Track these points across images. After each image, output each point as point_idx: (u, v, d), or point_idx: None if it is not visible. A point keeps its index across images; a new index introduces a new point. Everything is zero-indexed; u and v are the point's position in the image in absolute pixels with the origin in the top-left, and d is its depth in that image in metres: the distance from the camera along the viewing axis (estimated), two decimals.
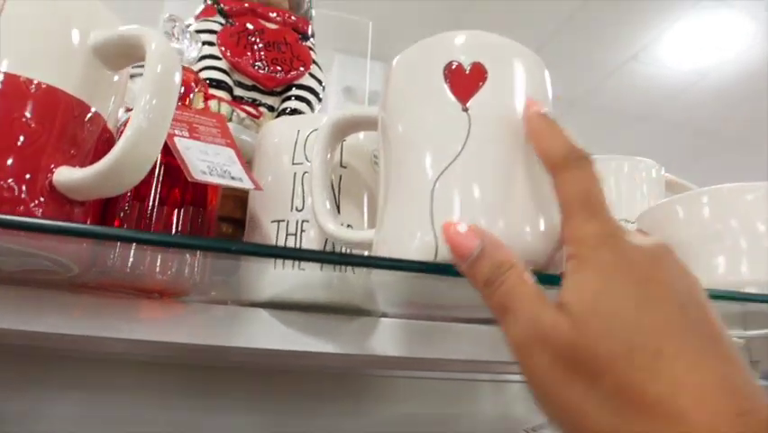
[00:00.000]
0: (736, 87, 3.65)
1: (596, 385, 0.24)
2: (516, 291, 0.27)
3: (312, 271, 0.39)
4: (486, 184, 0.32)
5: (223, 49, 0.59)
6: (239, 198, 0.50)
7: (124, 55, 0.33)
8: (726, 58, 3.40)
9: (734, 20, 3.10)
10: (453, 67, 0.34)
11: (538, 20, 3.15)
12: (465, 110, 0.33)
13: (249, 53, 0.59)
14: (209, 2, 0.64)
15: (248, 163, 0.43)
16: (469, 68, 0.34)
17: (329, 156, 0.40)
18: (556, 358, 0.25)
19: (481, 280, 0.28)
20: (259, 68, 0.59)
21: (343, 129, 0.40)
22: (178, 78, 0.32)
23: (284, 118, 0.48)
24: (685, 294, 0.26)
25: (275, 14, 0.61)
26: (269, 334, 0.42)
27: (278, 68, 0.59)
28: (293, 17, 0.62)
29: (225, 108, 0.54)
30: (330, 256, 0.33)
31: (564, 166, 0.29)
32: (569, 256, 0.27)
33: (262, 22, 0.61)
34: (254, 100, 0.59)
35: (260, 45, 0.60)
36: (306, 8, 0.65)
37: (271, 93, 0.59)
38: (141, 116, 0.29)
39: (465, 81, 0.33)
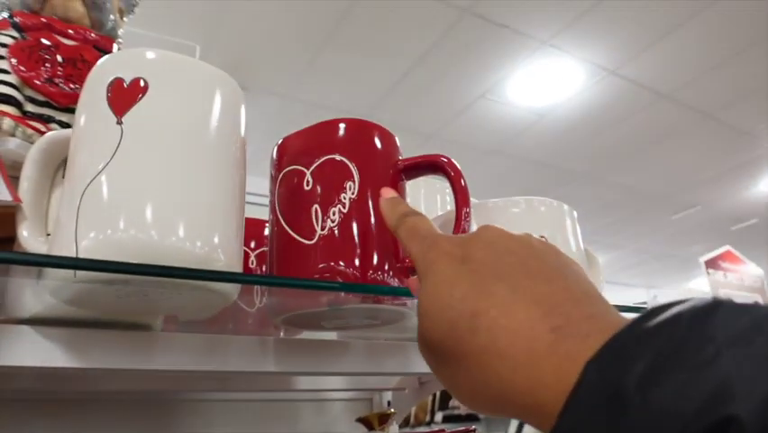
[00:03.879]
0: (571, 126, 4.00)
1: (450, 364, 0.28)
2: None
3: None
4: (134, 193, 0.34)
5: (13, 62, 0.57)
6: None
7: None
8: (560, 100, 3.72)
9: (567, 66, 3.41)
10: (115, 82, 0.36)
11: (392, 59, 3.29)
12: (119, 123, 0.35)
13: (42, 68, 0.57)
14: (5, 15, 0.62)
15: None
16: (129, 82, 0.36)
17: (42, 174, 0.41)
18: (428, 357, 0.29)
19: None
20: (51, 83, 0.57)
21: (55, 149, 0.41)
22: None
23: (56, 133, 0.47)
24: (499, 250, 0.30)
25: (73, 31, 0.61)
26: (33, 351, 0.41)
27: (74, 84, 0.58)
28: (93, 35, 0.62)
29: (8, 123, 0.52)
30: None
31: (397, 226, 0.35)
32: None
33: (58, 37, 0.60)
34: (48, 117, 0.57)
35: (55, 61, 0.58)
36: (111, 27, 0.64)
37: (67, 110, 0.58)
38: None
39: (123, 95, 0.36)
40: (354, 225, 0.41)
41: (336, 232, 0.41)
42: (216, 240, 0.35)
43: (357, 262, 0.40)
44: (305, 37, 3.04)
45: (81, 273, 0.32)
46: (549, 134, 4.09)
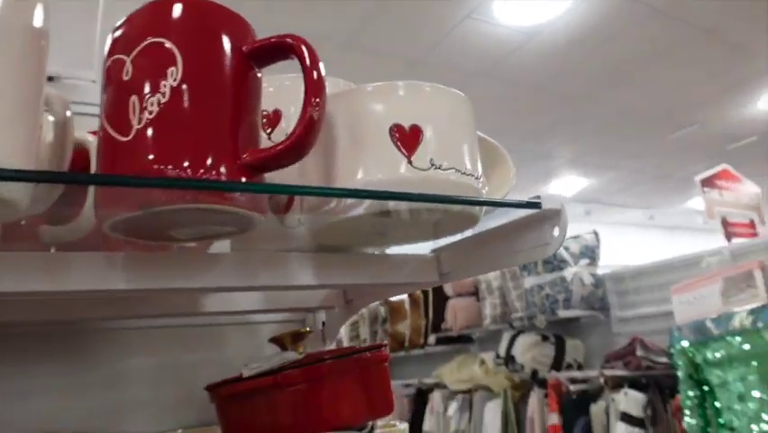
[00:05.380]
0: (563, 45, 3.86)
1: None
2: None
3: None
4: None
5: None
6: None
7: None
8: (550, 18, 3.58)
9: None
10: None
11: None
12: None
13: None
14: None
15: None
16: None
17: None
18: None
19: None
20: None
21: None
22: None
23: None
24: None
25: None
26: None
27: None
28: None
29: None
30: None
31: None
32: None
33: None
34: None
35: None
36: None
37: None
38: None
39: None
40: (176, 117, 0.36)
41: (154, 125, 0.36)
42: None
43: (179, 158, 0.35)
44: None
45: None
46: (540, 55, 3.96)
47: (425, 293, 3.69)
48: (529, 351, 3.07)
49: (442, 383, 3.41)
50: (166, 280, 0.44)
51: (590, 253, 3.13)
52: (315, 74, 0.39)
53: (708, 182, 3.81)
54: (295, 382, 0.54)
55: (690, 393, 2.23)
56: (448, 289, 3.51)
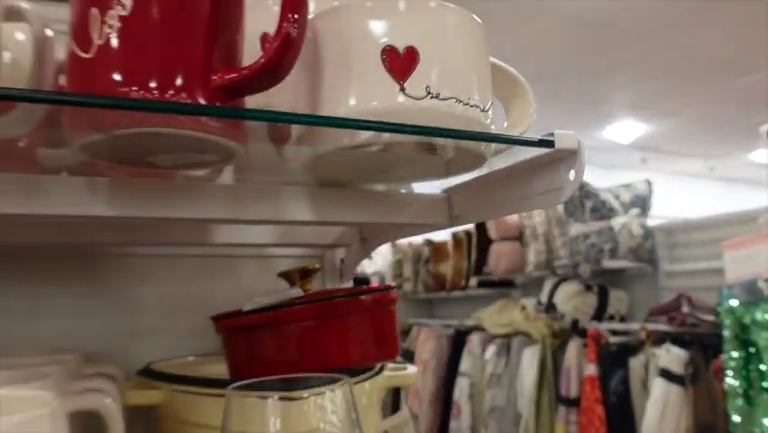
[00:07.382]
0: None
1: None
2: None
3: None
4: None
5: None
6: None
7: None
8: None
9: None
10: None
11: None
12: None
13: None
14: None
15: None
16: None
17: None
18: None
19: None
20: None
21: None
22: None
23: None
24: None
25: None
26: None
27: None
28: None
29: None
30: None
31: None
32: None
33: None
34: None
35: None
36: None
37: None
38: None
39: None
40: (138, 32, 0.33)
41: (114, 41, 0.33)
42: None
43: (141, 78, 0.32)
44: None
45: None
46: None
47: (469, 235, 3.65)
48: (571, 300, 3.02)
49: (481, 326, 3.41)
50: (148, 209, 0.42)
51: (642, 203, 3.02)
52: None
53: None
54: (290, 320, 0.53)
55: (735, 354, 2.16)
56: (492, 232, 3.46)
